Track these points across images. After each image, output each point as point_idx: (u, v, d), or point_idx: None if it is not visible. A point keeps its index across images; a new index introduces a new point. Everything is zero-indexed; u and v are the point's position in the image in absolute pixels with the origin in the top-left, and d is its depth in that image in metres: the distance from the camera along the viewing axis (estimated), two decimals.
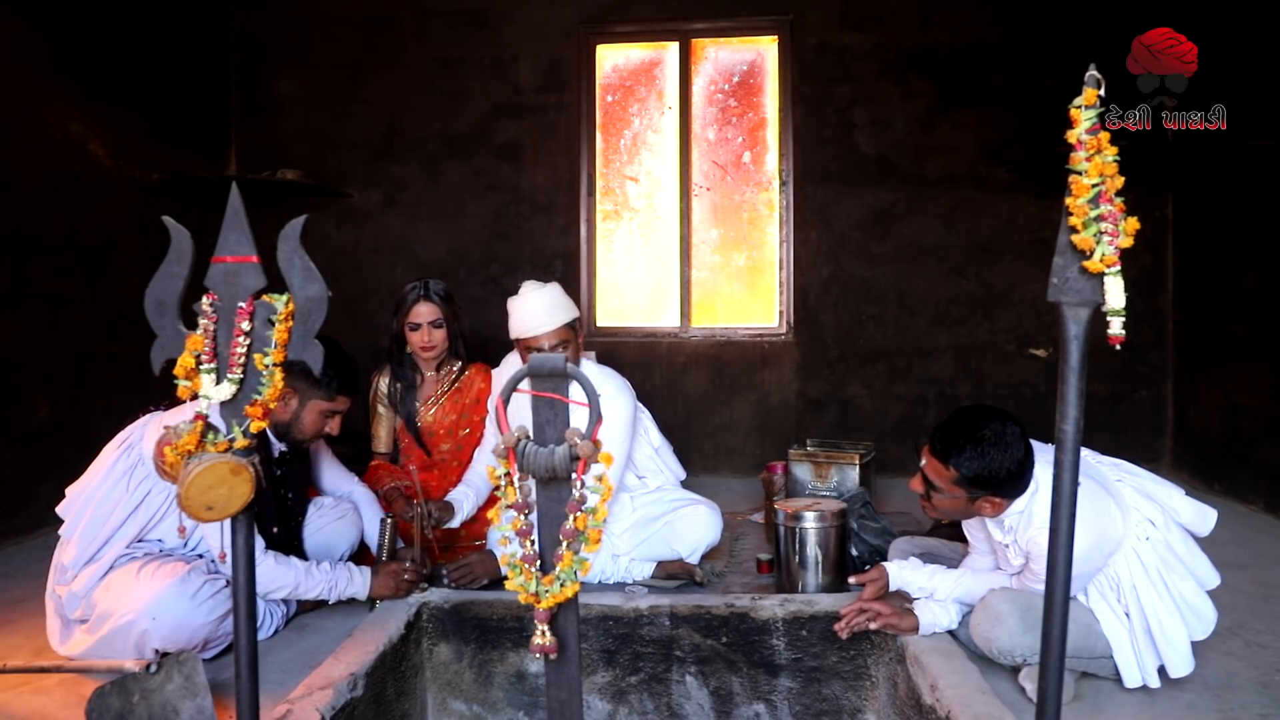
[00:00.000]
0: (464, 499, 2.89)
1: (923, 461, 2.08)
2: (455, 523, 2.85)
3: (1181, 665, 1.97)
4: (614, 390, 2.76)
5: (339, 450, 2.89)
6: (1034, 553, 1.99)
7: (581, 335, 2.81)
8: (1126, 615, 2.00)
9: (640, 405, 2.97)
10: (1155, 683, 1.99)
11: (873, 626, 2.28)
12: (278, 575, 2.27)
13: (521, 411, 2.78)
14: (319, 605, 2.52)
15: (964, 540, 2.40)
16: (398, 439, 3.38)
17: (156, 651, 2.03)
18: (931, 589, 2.26)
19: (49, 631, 2.27)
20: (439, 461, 3.31)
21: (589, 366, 2.92)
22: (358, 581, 2.42)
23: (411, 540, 2.65)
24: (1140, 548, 1.99)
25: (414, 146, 4.80)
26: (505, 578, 1.36)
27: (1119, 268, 1.24)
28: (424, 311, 3.18)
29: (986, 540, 2.21)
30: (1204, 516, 2.06)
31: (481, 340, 3.83)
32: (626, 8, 4.73)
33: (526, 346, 2.67)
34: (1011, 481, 1.96)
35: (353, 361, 2.43)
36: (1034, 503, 1.97)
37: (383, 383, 3.34)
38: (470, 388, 3.31)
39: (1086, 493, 1.88)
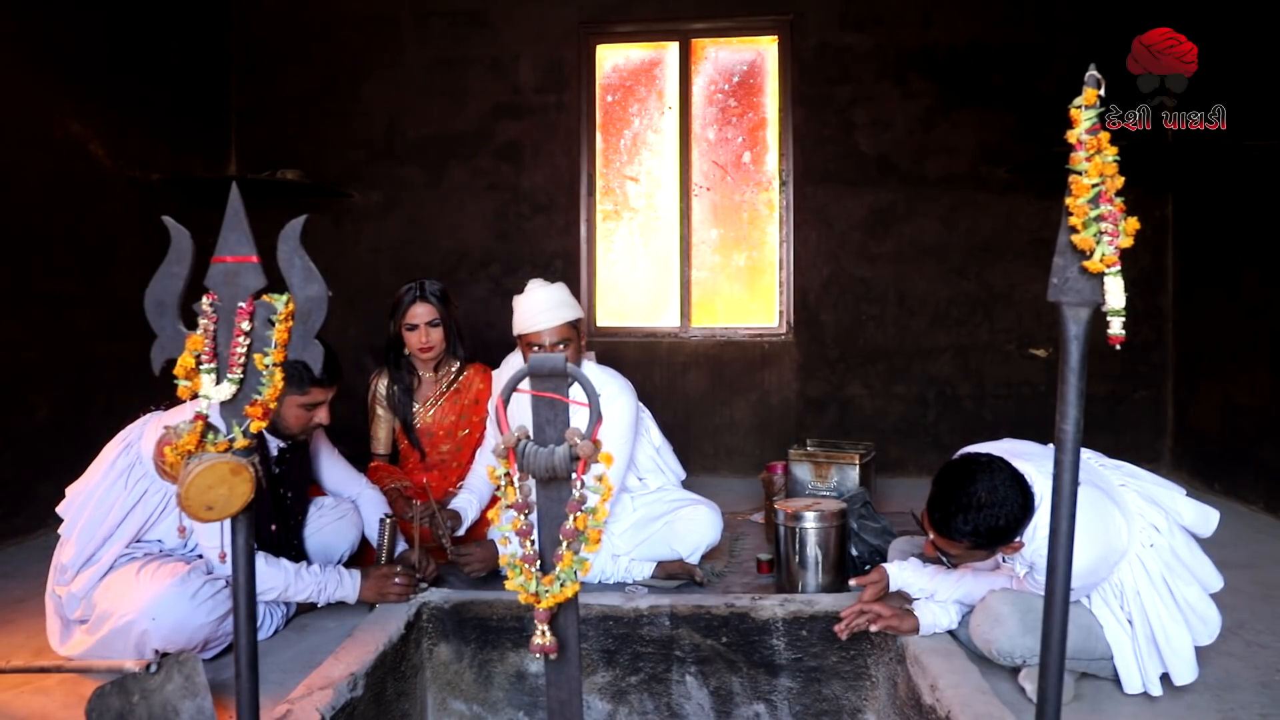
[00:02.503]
0: (468, 506, 2.89)
1: (930, 535, 2.02)
2: (460, 531, 2.85)
3: (1186, 672, 1.96)
4: (616, 391, 2.76)
5: (342, 451, 2.88)
6: (1037, 564, 1.97)
7: (583, 337, 2.81)
8: (1130, 622, 1.99)
9: (641, 405, 2.97)
10: (1157, 690, 1.98)
11: (873, 629, 2.27)
12: (267, 577, 2.26)
13: (521, 411, 2.80)
14: (313, 606, 2.52)
15: None
16: (397, 441, 3.38)
17: (156, 651, 2.03)
18: (932, 590, 2.25)
19: (49, 632, 2.27)
20: (438, 462, 3.31)
21: (590, 367, 2.92)
22: (347, 585, 2.41)
23: (413, 541, 2.64)
24: (1144, 554, 1.98)
25: (414, 146, 4.81)
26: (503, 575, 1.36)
27: (1119, 268, 1.24)
28: (420, 312, 3.17)
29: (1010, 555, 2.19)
30: (1207, 518, 2.05)
31: (482, 341, 3.83)
32: (626, 8, 4.73)
33: (528, 343, 2.69)
34: (1020, 525, 1.92)
35: (330, 352, 2.37)
36: (1036, 516, 1.94)
37: (381, 385, 3.34)
38: (469, 388, 3.31)
39: (1091, 503, 1.88)
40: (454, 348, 3.30)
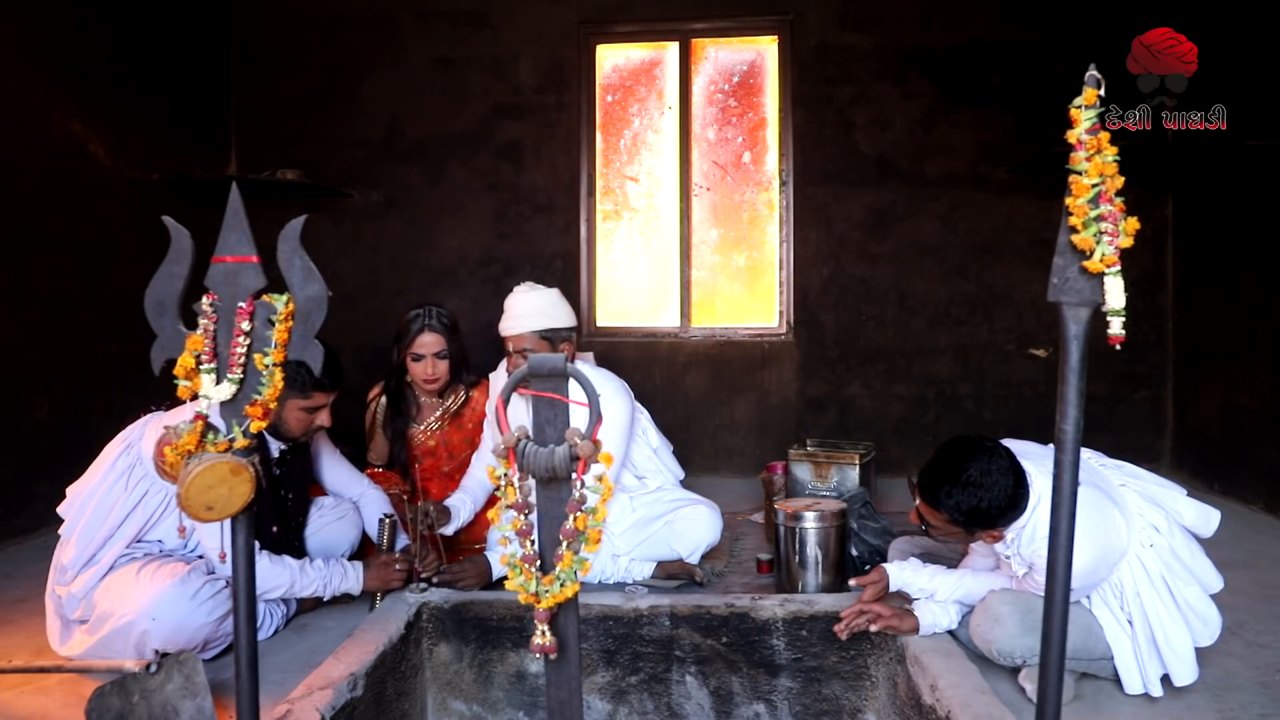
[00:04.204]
0: (461, 506, 2.86)
1: (916, 500, 2.07)
2: (450, 529, 2.80)
3: (1186, 673, 1.96)
4: (611, 392, 2.76)
5: (344, 452, 2.88)
6: (1037, 565, 1.98)
7: (571, 344, 2.79)
8: (1130, 623, 1.99)
9: (639, 405, 2.97)
10: (1158, 691, 1.98)
11: (873, 629, 2.27)
12: (273, 575, 2.28)
13: (520, 412, 2.80)
14: (317, 604, 2.53)
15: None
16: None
17: (156, 651, 2.03)
18: (932, 590, 2.25)
19: (49, 632, 2.27)
20: (439, 474, 3.27)
21: (585, 369, 2.92)
22: (351, 576, 2.44)
23: (414, 540, 2.65)
24: (1144, 555, 1.98)
25: (414, 146, 4.81)
26: (500, 580, 1.36)
27: (1119, 268, 1.24)
28: (428, 342, 3.05)
29: (988, 544, 2.21)
30: (1207, 518, 2.06)
31: (480, 343, 3.81)
32: (626, 8, 4.73)
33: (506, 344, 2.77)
34: (1004, 515, 1.95)
35: (331, 355, 2.37)
36: (1036, 516, 1.95)
37: (380, 407, 3.23)
38: (474, 413, 3.22)
39: (1090, 504, 1.88)
40: (460, 376, 3.20)
